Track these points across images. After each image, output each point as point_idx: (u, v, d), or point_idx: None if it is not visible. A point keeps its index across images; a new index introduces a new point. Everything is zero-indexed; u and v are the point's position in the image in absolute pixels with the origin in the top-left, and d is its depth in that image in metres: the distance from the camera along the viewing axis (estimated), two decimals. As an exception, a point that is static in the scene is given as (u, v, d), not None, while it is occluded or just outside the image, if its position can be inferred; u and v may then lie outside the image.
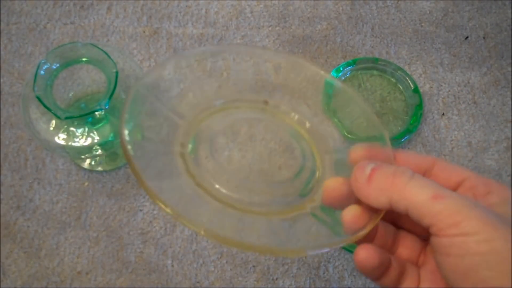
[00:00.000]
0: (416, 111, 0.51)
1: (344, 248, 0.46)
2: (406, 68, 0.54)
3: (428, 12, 0.57)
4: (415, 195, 0.25)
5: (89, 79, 0.47)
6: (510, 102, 0.53)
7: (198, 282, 0.45)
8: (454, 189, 0.28)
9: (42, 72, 0.39)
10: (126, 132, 0.28)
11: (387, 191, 0.26)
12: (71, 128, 0.41)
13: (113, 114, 0.43)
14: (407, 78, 0.52)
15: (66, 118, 0.38)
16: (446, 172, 0.28)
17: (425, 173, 0.29)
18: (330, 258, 0.47)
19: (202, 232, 0.25)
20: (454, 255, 0.25)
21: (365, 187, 0.27)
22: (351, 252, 0.46)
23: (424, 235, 0.30)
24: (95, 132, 0.42)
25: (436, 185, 0.26)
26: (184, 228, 0.47)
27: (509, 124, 0.52)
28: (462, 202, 0.25)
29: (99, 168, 0.49)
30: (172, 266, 0.46)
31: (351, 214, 0.28)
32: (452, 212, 0.25)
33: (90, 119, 0.42)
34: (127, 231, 0.47)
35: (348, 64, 0.53)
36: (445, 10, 0.57)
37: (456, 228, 0.25)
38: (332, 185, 0.29)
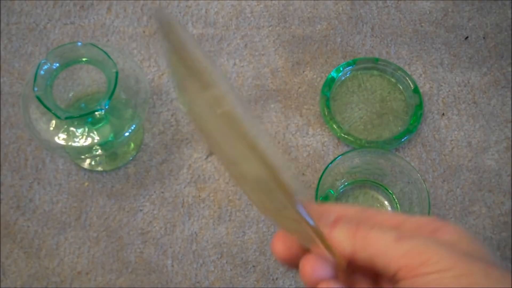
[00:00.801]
0: (416, 111, 0.51)
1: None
2: (406, 68, 0.54)
3: (428, 12, 0.57)
4: (379, 240, 0.25)
5: (89, 79, 0.47)
6: (510, 102, 0.53)
7: (198, 282, 0.45)
8: None
9: (42, 72, 0.39)
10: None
11: (350, 239, 0.25)
12: (71, 128, 0.41)
13: (113, 114, 0.43)
14: (407, 78, 0.52)
15: (66, 118, 0.38)
16: (379, 218, 0.27)
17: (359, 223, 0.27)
18: (330, 258, 0.47)
19: None
20: None
21: (328, 234, 0.25)
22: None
23: None
24: (95, 132, 0.42)
25: (396, 230, 0.25)
26: (184, 228, 0.47)
27: (509, 124, 0.52)
28: (427, 241, 0.24)
29: (99, 168, 0.49)
30: (172, 266, 0.46)
31: (310, 265, 0.26)
32: (420, 250, 0.24)
33: (90, 119, 0.42)
34: (127, 231, 0.47)
35: (348, 64, 0.53)
36: (445, 10, 0.57)
37: (428, 265, 0.24)
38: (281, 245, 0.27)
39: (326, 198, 0.47)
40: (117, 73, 0.39)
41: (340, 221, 0.26)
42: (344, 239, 0.25)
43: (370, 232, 0.25)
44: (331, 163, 0.46)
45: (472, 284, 0.23)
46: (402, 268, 0.24)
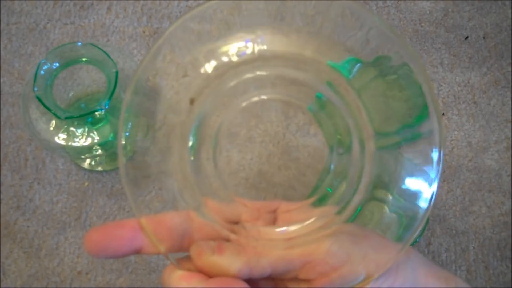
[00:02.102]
0: (416, 111, 0.51)
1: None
2: (406, 68, 0.54)
3: (428, 12, 0.57)
4: (269, 254, 0.23)
5: (89, 79, 0.47)
6: (510, 102, 0.53)
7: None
8: None
9: (42, 72, 0.39)
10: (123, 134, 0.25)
11: (242, 255, 0.23)
12: (71, 128, 0.41)
13: (113, 114, 0.43)
14: (407, 78, 0.52)
15: (66, 118, 0.38)
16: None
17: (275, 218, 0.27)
18: (330, 258, 0.47)
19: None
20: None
21: (217, 259, 0.23)
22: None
23: None
24: (95, 132, 0.42)
25: (275, 245, 0.24)
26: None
27: (509, 124, 0.52)
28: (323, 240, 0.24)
29: (99, 168, 0.49)
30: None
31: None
32: (314, 248, 0.24)
33: (90, 119, 0.42)
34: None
35: (348, 64, 0.53)
36: (445, 10, 0.57)
37: (329, 257, 0.24)
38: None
39: (323, 199, 0.47)
40: (117, 73, 0.39)
41: (222, 246, 0.23)
42: (234, 260, 0.23)
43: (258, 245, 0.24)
44: (331, 163, 0.46)
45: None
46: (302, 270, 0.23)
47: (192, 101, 0.29)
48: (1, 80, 0.52)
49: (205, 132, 0.30)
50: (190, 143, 0.29)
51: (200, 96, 0.29)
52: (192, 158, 0.29)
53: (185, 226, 0.24)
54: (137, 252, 0.23)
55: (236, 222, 0.26)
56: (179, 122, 0.29)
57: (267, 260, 0.23)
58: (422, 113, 0.28)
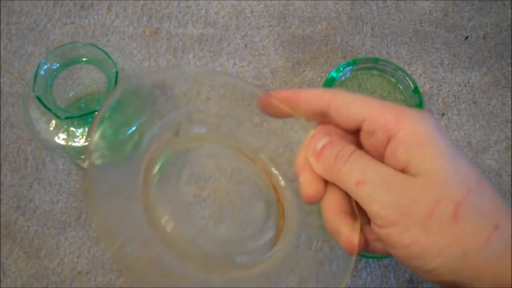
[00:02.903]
0: (416, 111, 0.51)
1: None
2: (406, 68, 0.54)
3: (428, 12, 0.57)
4: (345, 182, 0.26)
5: (89, 79, 0.47)
6: (510, 102, 0.53)
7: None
8: (356, 133, 0.28)
9: (42, 72, 0.39)
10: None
11: (329, 172, 0.27)
12: (71, 128, 0.41)
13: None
14: (407, 78, 0.52)
15: (66, 118, 0.38)
16: (343, 115, 0.27)
17: (324, 117, 0.29)
18: (330, 258, 0.47)
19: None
20: (389, 247, 0.25)
21: (314, 163, 0.28)
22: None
23: None
24: (95, 132, 0.42)
25: (364, 167, 0.26)
26: (184, 228, 0.47)
27: (509, 124, 0.52)
28: (378, 187, 0.24)
29: (99, 168, 0.49)
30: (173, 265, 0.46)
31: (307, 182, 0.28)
32: (370, 200, 0.24)
33: (90, 119, 0.41)
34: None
35: (348, 64, 0.53)
36: (445, 10, 0.57)
37: (378, 219, 0.24)
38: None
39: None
40: (117, 73, 0.39)
41: (324, 150, 0.27)
42: (325, 172, 0.27)
43: (341, 171, 0.26)
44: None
45: (413, 241, 0.24)
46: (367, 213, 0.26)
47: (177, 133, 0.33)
48: (1, 80, 0.52)
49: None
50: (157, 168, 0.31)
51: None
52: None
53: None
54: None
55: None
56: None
57: (344, 188, 0.27)
58: None
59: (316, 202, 0.28)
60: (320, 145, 0.28)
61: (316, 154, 0.28)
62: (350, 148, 0.27)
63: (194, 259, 0.31)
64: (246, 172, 0.35)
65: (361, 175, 0.25)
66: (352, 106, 0.27)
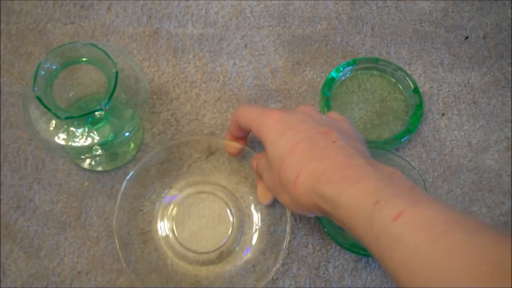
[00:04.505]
0: (416, 111, 0.51)
1: (344, 247, 0.46)
2: (406, 68, 0.54)
3: (428, 12, 0.57)
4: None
5: (89, 79, 0.47)
6: (510, 102, 0.53)
7: (198, 282, 0.45)
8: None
9: (42, 72, 0.39)
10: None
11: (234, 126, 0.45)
12: (71, 128, 0.41)
13: (113, 114, 0.43)
14: (407, 78, 0.52)
15: (66, 118, 0.38)
16: (241, 129, 0.45)
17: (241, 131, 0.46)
18: (330, 258, 0.47)
19: None
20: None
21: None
22: (351, 251, 0.46)
23: None
24: (95, 132, 0.42)
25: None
26: (185, 227, 0.47)
27: (509, 124, 0.52)
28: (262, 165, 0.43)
29: (99, 168, 0.49)
30: (172, 265, 0.46)
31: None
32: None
33: (90, 119, 0.41)
34: (127, 231, 0.47)
35: (348, 64, 0.53)
36: (445, 10, 0.57)
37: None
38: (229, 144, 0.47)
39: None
40: (117, 73, 0.39)
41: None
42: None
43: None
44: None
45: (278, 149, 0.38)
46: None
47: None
48: (1, 80, 0.52)
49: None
50: None
51: None
52: None
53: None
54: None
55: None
56: None
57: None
58: None
59: (236, 153, 0.47)
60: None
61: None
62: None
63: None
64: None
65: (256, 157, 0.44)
66: (241, 123, 0.43)
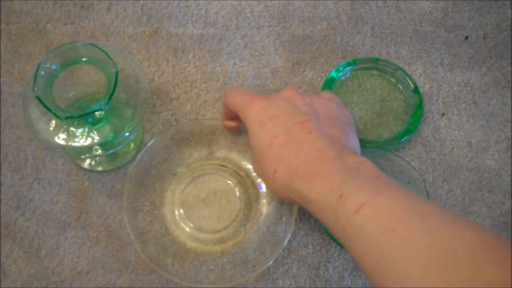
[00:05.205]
0: (416, 111, 0.51)
1: (344, 247, 0.46)
2: (406, 68, 0.54)
3: (428, 12, 0.57)
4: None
5: (89, 79, 0.47)
6: (510, 102, 0.53)
7: (198, 281, 0.45)
8: None
9: (42, 72, 0.39)
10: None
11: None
12: (71, 128, 0.41)
13: (113, 114, 0.43)
14: (407, 78, 0.52)
15: (66, 118, 0.38)
16: (231, 110, 0.46)
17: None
18: (330, 258, 0.47)
19: None
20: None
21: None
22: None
23: None
24: (95, 132, 0.42)
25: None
26: (185, 228, 0.47)
27: (509, 124, 0.52)
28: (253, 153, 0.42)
29: (99, 168, 0.49)
30: (173, 265, 0.46)
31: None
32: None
33: (90, 119, 0.42)
34: (127, 231, 0.47)
35: (348, 64, 0.53)
36: (445, 10, 0.57)
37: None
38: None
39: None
40: (117, 73, 0.39)
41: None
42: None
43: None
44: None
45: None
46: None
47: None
48: (1, 80, 0.52)
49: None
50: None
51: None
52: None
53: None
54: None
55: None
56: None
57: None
58: None
59: (234, 130, 0.48)
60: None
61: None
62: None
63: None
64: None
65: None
66: (229, 107, 0.45)
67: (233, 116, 0.46)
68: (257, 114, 0.40)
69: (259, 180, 0.49)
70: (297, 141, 0.38)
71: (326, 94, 0.43)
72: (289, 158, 0.37)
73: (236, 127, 0.48)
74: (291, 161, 0.37)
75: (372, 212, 0.30)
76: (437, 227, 0.28)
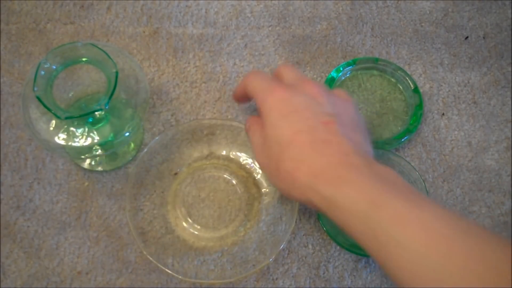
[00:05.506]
0: (416, 111, 0.51)
1: (343, 247, 0.46)
2: (406, 68, 0.54)
3: (428, 12, 0.57)
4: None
5: (89, 79, 0.47)
6: (510, 102, 0.53)
7: (198, 281, 0.45)
8: None
9: (42, 72, 0.39)
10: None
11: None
12: (71, 128, 0.41)
13: (113, 114, 0.43)
14: (407, 78, 0.52)
15: (66, 118, 0.38)
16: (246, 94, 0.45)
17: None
18: (330, 258, 0.47)
19: None
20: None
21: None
22: (351, 251, 0.46)
23: None
24: (95, 132, 0.42)
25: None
26: (185, 228, 0.47)
27: (509, 124, 0.52)
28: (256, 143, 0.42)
29: (99, 168, 0.49)
30: (173, 265, 0.46)
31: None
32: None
33: (90, 119, 0.42)
34: (127, 231, 0.47)
35: (348, 64, 0.53)
36: (445, 10, 0.57)
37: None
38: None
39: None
40: (117, 73, 0.39)
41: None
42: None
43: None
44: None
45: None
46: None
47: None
48: (1, 80, 0.52)
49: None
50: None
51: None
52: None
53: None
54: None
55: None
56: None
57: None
58: None
59: (241, 101, 0.47)
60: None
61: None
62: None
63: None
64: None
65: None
66: (248, 90, 0.43)
67: (245, 100, 0.46)
68: (277, 103, 0.38)
69: (259, 178, 0.49)
70: (322, 142, 0.36)
71: (342, 93, 0.42)
72: (313, 157, 0.36)
73: (244, 99, 0.46)
74: (314, 161, 0.35)
75: (410, 223, 0.30)
76: (478, 242, 0.29)
